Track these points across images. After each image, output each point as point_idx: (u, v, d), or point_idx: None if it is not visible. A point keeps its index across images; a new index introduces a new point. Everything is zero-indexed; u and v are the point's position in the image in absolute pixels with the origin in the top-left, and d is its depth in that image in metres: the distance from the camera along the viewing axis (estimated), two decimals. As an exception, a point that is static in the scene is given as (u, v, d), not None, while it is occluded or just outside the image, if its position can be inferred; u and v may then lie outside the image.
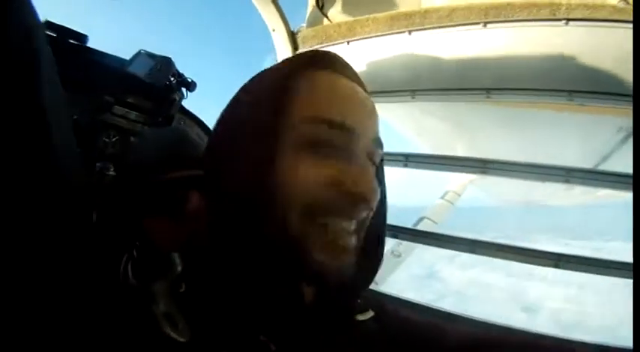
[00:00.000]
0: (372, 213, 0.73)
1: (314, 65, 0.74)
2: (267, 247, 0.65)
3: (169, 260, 0.68)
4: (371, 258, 0.81)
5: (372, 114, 0.75)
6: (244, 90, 0.80)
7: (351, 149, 0.68)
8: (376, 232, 0.81)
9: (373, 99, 0.81)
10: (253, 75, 0.82)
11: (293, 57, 0.80)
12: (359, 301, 0.89)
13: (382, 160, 0.83)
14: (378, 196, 0.69)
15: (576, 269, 2.32)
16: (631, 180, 2.26)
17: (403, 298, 2.40)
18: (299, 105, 0.69)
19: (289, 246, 0.65)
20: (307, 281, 0.70)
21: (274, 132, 0.67)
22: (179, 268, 0.67)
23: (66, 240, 0.64)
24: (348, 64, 0.80)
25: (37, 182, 0.59)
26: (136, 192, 1.32)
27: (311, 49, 0.90)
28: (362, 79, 0.81)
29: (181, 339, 0.59)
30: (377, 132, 0.74)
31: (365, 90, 0.78)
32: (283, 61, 0.80)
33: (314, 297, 0.75)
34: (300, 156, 0.66)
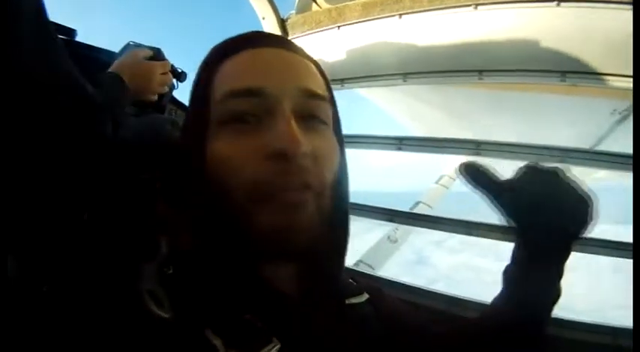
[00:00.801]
0: (331, 173, 0.73)
1: (231, 49, 0.76)
2: (219, 229, 0.67)
3: (156, 243, 0.68)
4: (338, 229, 0.79)
5: (297, 69, 0.74)
6: None
7: (271, 110, 0.67)
8: (340, 200, 0.77)
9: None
10: None
11: (214, 46, 0.81)
12: (353, 283, 0.90)
13: (335, 111, 0.81)
14: (302, 147, 0.64)
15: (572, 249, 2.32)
16: (627, 160, 2.27)
17: (401, 282, 2.40)
18: (217, 85, 0.72)
19: (237, 223, 0.66)
20: (270, 261, 0.70)
21: (203, 114, 0.72)
22: (165, 250, 0.67)
23: (56, 236, 0.64)
24: (270, 36, 0.81)
25: (28, 179, 0.59)
26: (124, 186, 1.31)
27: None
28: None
29: (164, 315, 0.58)
30: (304, 84, 0.72)
31: (299, 53, 0.79)
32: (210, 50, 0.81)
33: (296, 278, 0.75)
34: (224, 133, 0.68)
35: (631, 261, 2.12)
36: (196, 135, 0.72)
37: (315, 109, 0.72)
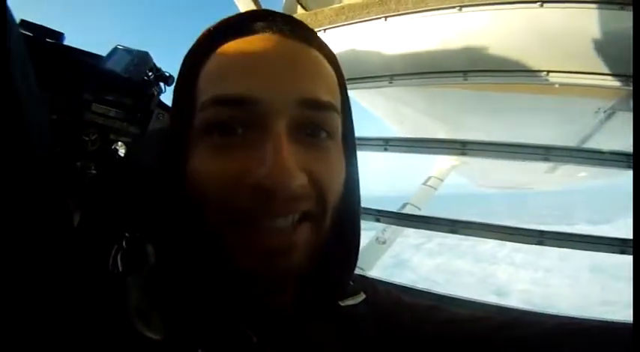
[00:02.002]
0: (334, 197, 0.63)
1: (220, 36, 0.63)
2: (194, 247, 0.61)
3: (144, 253, 0.62)
4: (345, 243, 0.73)
5: (301, 68, 0.61)
6: None
7: (263, 124, 0.56)
8: (350, 213, 0.71)
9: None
10: None
11: (202, 33, 0.68)
12: (351, 283, 0.83)
13: (348, 122, 0.72)
14: (295, 181, 0.55)
15: (560, 246, 2.36)
16: (611, 157, 2.31)
17: (393, 282, 2.42)
18: (201, 86, 0.61)
19: (210, 245, 0.59)
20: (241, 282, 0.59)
21: (184, 120, 0.62)
22: (152, 260, 0.61)
23: (43, 238, 0.62)
24: (271, 17, 0.65)
25: (11, 179, 0.58)
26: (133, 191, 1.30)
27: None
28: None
29: (155, 337, 0.52)
30: (307, 92, 0.59)
31: (307, 41, 0.65)
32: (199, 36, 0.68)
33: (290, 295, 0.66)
34: (204, 146, 0.58)
35: (609, 257, 2.17)
36: (176, 145, 0.63)
37: (319, 121, 0.61)
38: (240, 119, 0.57)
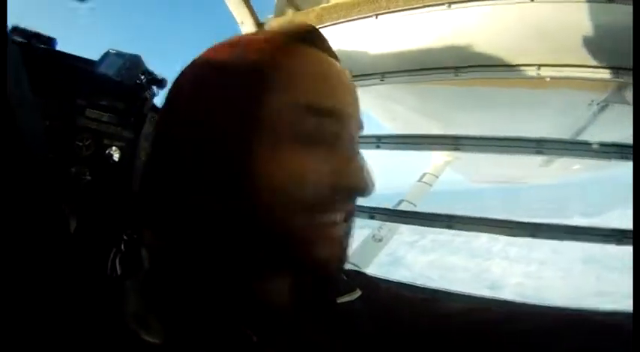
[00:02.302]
0: None
1: (300, 41, 0.65)
2: (247, 242, 0.60)
3: (139, 256, 0.62)
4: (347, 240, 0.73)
5: (356, 94, 0.68)
6: (209, 65, 0.66)
7: (340, 136, 0.62)
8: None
9: None
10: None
11: (275, 31, 0.68)
12: (346, 279, 0.85)
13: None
14: (371, 185, 0.63)
15: (553, 238, 2.37)
16: (603, 148, 2.32)
17: (390, 279, 2.42)
18: (285, 88, 0.60)
19: (276, 242, 0.59)
20: (290, 275, 0.66)
21: (254, 119, 0.59)
22: (147, 264, 0.61)
23: (39, 244, 0.62)
24: (327, 41, 0.70)
25: (6, 185, 0.58)
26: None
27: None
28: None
29: (154, 341, 0.52)
30: (360, 114, 0.67)
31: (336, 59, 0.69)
32: (264, 36, 0.67)
33: (294, 290, 0.70)
34: (286, 147, 0.58)
35: (601, 248, 2.19)
36: (244, 146, 0.59)
37: (357, 139, 0.69)
38: (320, 127, 0.60)
